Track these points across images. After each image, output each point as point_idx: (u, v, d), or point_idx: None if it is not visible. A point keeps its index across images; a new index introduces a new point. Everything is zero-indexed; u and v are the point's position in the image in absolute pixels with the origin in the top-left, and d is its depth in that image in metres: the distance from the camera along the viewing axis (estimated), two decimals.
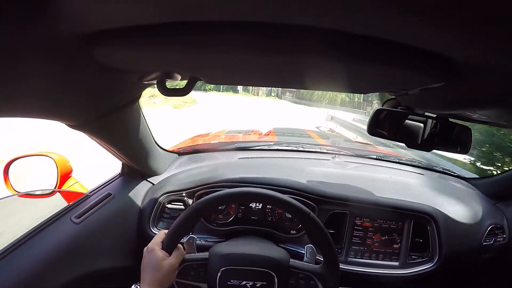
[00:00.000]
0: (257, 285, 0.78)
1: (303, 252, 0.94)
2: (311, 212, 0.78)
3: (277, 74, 0.64)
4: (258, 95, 33.82)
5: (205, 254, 0.82)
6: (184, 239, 0.84)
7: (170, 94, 0.67)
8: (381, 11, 0.32)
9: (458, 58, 0.43)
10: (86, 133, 0.79)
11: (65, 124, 0.71)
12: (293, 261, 0.83)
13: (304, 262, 0.85)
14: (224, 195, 0.78)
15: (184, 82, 0.69)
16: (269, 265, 0.80)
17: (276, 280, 0.78)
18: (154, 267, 0.72)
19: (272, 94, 34.58)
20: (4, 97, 0.49)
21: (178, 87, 0.71)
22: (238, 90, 32.69)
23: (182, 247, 0.79)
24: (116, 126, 0.85)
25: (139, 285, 0.74)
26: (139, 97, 0.85)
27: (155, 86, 0.70)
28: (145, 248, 0.77)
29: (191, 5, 0.36)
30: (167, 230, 0.81)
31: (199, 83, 0.73)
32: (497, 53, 0.38)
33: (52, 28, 0.40)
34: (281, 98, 30.91)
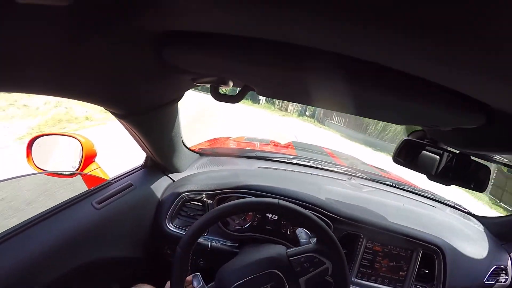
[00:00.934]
0: None
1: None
2: (332, 235, 0.79)
3: (328, 97, 0.66)
4: (286, 111, 23.13)
5: (212, 285, 0.82)
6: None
7: (222, 100, 0.69)
8: (435, 58, 0.35)
9: (495, 105, 0.45)
10: (127, 123, 0.81)
11: (110, 112, 0.73)
12: (290, 251, 0.83)
13: (301, 245, 0.86)
14: (207, 220, 0.78)
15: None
16: (269, 265, 0.80)
17: (282, 276, 0.78)
18: None
19: (307, 113, 22.59)
20: (67, 80, 0.51)
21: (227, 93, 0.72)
22: (260, 100, 22.81)
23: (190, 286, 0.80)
24: (155, 121, 0.87)
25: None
26: (181, 96, 0.87)
27: (199, 88, 0.71)
28: None
29: (267, 26, 0.38)
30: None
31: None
32: None
33: (131, 22, 0.42)
34: (323, 124, 19.83)
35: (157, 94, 0.75)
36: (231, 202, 0.80)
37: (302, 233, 0.89)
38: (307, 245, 0.84)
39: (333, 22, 0.32)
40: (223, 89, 0.73)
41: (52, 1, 0.30)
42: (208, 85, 0.69)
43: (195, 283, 0.82)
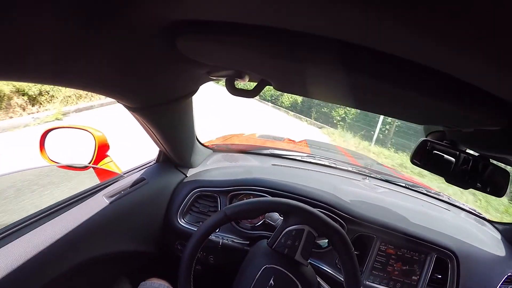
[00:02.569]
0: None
1: (324, 268, 0.94)
2: (348, 240, 0.77)
3: (347, 93, 0.63)
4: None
5: None
6: None
7: (237, 94, 0.66)
8: (457, 52, 0.33)
9: None
10: (141, 117, 0.79)
11: (124, 105, 0.71)
12: (268, 240, 0.85)
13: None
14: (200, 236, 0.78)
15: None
16: (260, 263, 0.81)
17: (275, 266, 0.80)
18: None
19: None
20: (80, 71, 0.50)
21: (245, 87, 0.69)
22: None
23: None
24: (169, 115, 0.85)
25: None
26: (196, 90, 0.84)
27: (217, 82, 0.68)
28: None
29: (283, 13, 0.35)
30: None
31: None
32: None
33: (142, 10, 0.40)
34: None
35: (171, 87, 0.73)
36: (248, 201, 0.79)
37: (271, 217, 0.90)
38: (278, 225, 0.84)
39: (361, 12, 0.30)
40: (239, 84, 0.70)
41: None
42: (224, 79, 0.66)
43: None
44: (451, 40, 0.30)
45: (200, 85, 0.83)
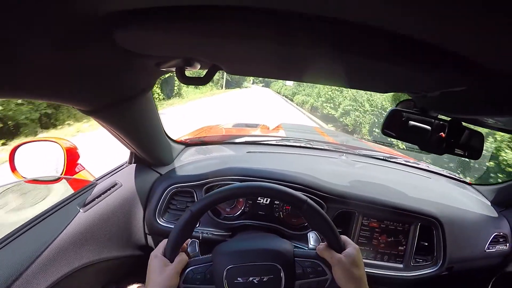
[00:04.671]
0: (264, 280, 0.75)
1: (301, 247, 0.90)
2: (308, 199, 0.75)
3: (298, 68, 0.62)
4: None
5: (208, 256, 0.79)
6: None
7: (189, 83, 0.64)
8: (410, 7, 0.31)
9: (485, 62, 0.42)
10: (98, 119, 0.77)
11: (78, 109, 0.69)
12: (297, 250, 0.81)
13: (309, 249, 0.83)
14: (218, 194, 0.76)
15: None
16: (274, 258, 0.77)
17: (282, 272, 0.75)
18: (157, 273, 0.72)
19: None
20: (17, 77, 0.47)
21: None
22: None
23: (184, 253, 0.78)
24: (128, 114, 0.83)
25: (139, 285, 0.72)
26: (152, 85, 0.83)
27: (172, 74, 0.67)
28: (151, 253, 0.77)
29: None
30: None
31: None
32: None
33: (70, 6, 0.38)
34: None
35: (122, 85, 0.71)
36: (253, 183, 0.77)
37: (313, 237, 0.85)
38: (314, 250, 0.80)
39: None
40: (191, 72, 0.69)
41: None
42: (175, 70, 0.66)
43: (190, 249, 0.81)
44: None
45: (155, 79, 0.81)
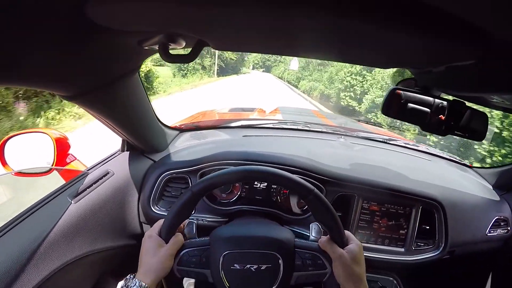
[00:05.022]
0: (261, 268, 0.73)
1: (308, 234, 0.88)
2: (315, 188, 0.72)
3: (291, 40, 0.58)
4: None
5: (205, 239, 0.77)
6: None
7: (174, 61, 0.60)
8: None
9: (497, 32, 0.38)
10: (82, 105, 0.73)
11: (59, 95, 0.65)
12: (298, 241, 0.79)
13: (310, 241, 0.81)
14: (221, 176, 0.73)
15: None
16: (273, 247, 0.75)
17: (281, 261, 0.74)
18: (150, 254, 0.70)
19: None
20: None
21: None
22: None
23: (181, 234, 0.75)
24: (115, 98, 0.78)
25: (133, 275, 0.70)
26: (139, 67, 0.79)
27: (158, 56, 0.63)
28: (145, 233, 0.75)
29: None
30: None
31: None
32: None
33: None
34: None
35: (104, 67, 0.67)
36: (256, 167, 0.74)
37: (315, 228, 0.83)
38: (316, 243, 0.78)
39: None
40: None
41: None
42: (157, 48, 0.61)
43: (186, 230, 0.79)
44: None
45: (141, 60, 0.77)
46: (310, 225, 0.84)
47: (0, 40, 0.41)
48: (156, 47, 0.62)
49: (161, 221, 0.75)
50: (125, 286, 0.67)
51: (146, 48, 0.64)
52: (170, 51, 0.60)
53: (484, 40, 0.40)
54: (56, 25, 0.45)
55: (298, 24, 0.46)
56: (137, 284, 0.65)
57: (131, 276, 0.69)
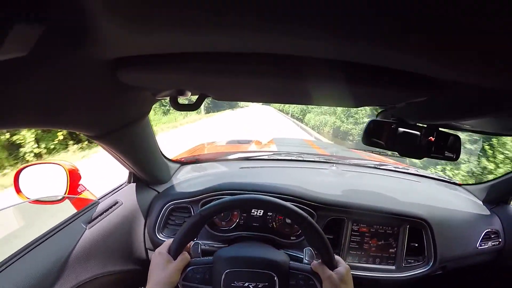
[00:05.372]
0: (259, 286, 0.82)
1: (301, 256, 0.96)
2: (308, 216, 0.82)
3: (279, 93, 0.71)
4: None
5: (209, 259, 0.86)
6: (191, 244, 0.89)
7: (181, 109, 0.74)
8: (374, 45, 0.37)
9: (436, 77, 0.48)
10: (102, 143, 0.85)
11: (84, 134, 0.78)
12: (293, 263, 0.87)
13: (304, 263, 0.89)
14: (227, 202, 0.83)
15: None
16: (270, 267, 0.84)
17: (277, 281, 0.82)
18: (160, 268, 0.78)
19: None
20: (30, 108, 0.54)
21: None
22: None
23: (187, 253, 0.84)
24: (128, 137, 0.90)
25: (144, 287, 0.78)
26: (149, 111, 0.91)
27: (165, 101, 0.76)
28: (154, 252, 0.83)
29: (205, 41, 0.42)
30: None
31: None
32: (469, 73, 0.42)
33: (84, 51, 0.46)
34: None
35: (123, 112, 0.79)
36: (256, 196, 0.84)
37: (308, 253, 0.91)
38: (309, 265, 0.87)
39: (279, 24, 0.34)
40: (182, 100, 0.78)
41: (9, 55, 0.33)
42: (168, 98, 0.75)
43: (192, 250, 0.87)
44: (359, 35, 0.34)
45: (151, 106, 0.90)
46: (304, 250, 0.92)
47: (47, 94, 0.52)
48: (167, 98, 0.76)
49: (169, 241, 0.84)
50: None
51: (159, 98, 0.78)
52: (179, 101, 0.74)
53: (428, 83, 0.51)
54: (90, 80, 0.57)
55: (284, 85, 0.60)
56: None
57: None
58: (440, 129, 0.79)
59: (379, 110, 0.92)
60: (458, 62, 0.39)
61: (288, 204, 0.83)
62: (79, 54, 0.46)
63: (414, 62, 0.43)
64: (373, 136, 0.83)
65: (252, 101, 0.89)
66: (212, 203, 0.83)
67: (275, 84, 0.59)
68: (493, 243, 1.27)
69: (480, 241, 1.25)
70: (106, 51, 0.47)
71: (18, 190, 1.21)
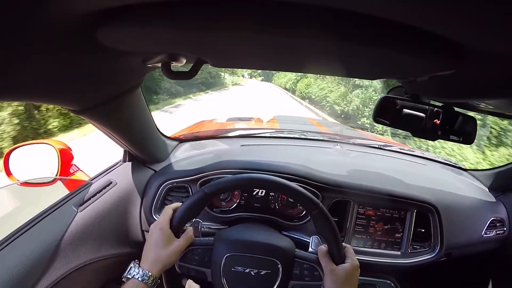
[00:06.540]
0: (261, 273, 0.77)
1: (306, 240, 0.91)
2: (320, 203, 0.76)
3: (284, 57, 0.62)
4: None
5: (210, 239, 0.81)
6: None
7: (175, 77, 0.64)
8: None
9: (469, 44, 0.42)
10: (88, 118, 0.77)
11: (68, 109, 0.70)
12: (298, 251, 0.82)
13: (309, 252, 0.84)
14: (233, 181, 0.77)
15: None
16: (275, 254, 0.79)
17: (280, 268, 0.77)
18: (161, 245, 0.72)
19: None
20: (4, 80, 0.47)
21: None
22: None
23: (191, 231, 0.79)
24: (119, 111, 0.83)
25: (138, 263, 0.73)
26: (141, 82, 0.83)
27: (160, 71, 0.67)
28: (153, 224, 0.77)
29: None
30: (174, 205, 0.81)
31: None
32: (506, 40, 0.37)
33: (51, 7, 0.38)
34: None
35: (110, 84, 0.71)
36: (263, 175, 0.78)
37: (315, 241, 0.86)
38: (315, 255, 0.82)
39: None
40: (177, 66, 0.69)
41: None
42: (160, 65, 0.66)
43: (193, 228, 0.82)
44: None
45: (142, 76, 0.81)
46: (311, 238, 0.87)
47: (10, 55, 0.44)
48: (159, 65, 0.67)
49: (167, 214, 0.78)
50: (127, 274, 0.70)
51: (149, 65, 0.69)
52: (172, 68, 0.65)
53: (458, 52, 0.44)
54: (66, 45, 0.48)
55: (291, 45, 0.50)
56: (140, 273, 0.68)
57: (136, 264, 0.72)
58: (455, 109, 0.75)
59: (392, 87, 0.86)
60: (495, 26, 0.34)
61: (299, 188, 0.76)
62: (47, 8, 0.37)
63: (449, 22, 0.37)
64: (383, 114, 0.79)
65: (256, 68, 0.80)
66: (216, 181, 0.77)
67: (284, 45, 0.50)
68: (497, 232, 1.24)
69: (486, 229, 1.22)
70: (74, 2, 0.38)
71: (8, 173, 1.16)
